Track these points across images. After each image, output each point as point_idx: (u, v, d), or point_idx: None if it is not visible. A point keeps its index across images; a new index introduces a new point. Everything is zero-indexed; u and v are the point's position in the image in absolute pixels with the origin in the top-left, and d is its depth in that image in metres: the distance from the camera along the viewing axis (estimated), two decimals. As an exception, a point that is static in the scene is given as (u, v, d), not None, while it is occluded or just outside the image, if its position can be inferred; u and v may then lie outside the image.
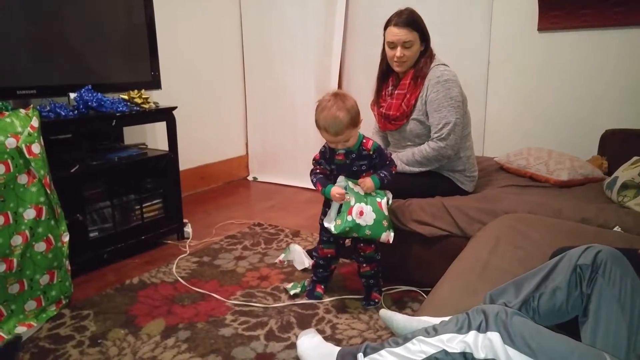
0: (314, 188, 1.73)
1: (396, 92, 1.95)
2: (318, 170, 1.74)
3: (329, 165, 1.72)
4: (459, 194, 1.98)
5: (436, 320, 1.11)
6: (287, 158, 3.53)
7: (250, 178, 3.73)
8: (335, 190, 1.66)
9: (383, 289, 1.87)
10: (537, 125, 2.69)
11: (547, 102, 2.65)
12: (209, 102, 3.35)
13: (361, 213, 1.62)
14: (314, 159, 1.76)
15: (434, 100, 1.87)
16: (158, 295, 1.90)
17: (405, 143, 2.00)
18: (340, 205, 1.67)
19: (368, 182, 1.67)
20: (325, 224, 1.69)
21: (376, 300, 1.80)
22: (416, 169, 1.94)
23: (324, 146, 1.75)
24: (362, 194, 1.66)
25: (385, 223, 1.65)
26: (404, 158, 1.95)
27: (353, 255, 1.83)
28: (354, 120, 1.62)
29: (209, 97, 3.34)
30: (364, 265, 1.79)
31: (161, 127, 2.52)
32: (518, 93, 2.73)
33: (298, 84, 3.34)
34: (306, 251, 2.18)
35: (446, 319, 1.06)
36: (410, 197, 1.94)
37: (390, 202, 1.72)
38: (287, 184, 3.51)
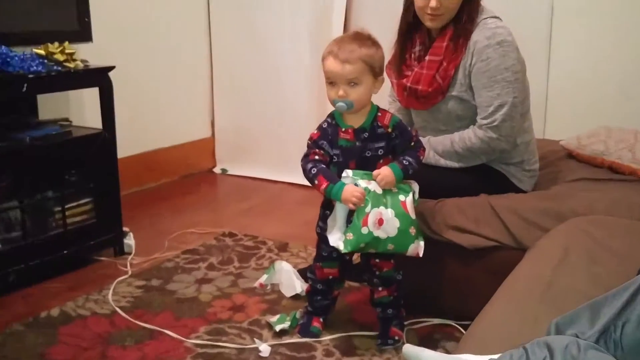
0: (310, 184, 1.70)
1: (428, 57, 1.95)
2: (317, 157, 1.71)
3: (332, 149, 1.71)
4: (513, 193, 1.99)
5: (482, 359, 1.11)
6: (271, 142, 3.54)
7: (217, 170, 3.73)
8: (351, 191, 1.61)
9: (406, 323, 1.88)
10: (619, 96, 2.70)
11: (632, 65, 2.66)
12: (159, 62, 3.34)
13: (380, 222, 1.62)
14: (310, 139, 1.74)
15: (483, 73, 1.87)
16: (88, 333, 1.88)
17: (440, 127, 2.01)
18: (350, 211, 1.66)
19: (386, 173, 1.67)
20: (331, 240, 1.68)
21: (396, 338, 1.80)
22: (455, 164, 1.95)
23: (326, 120, 1.74)
24: (380, 192, 1.66)
25: (412, 230, 1.67)
26: (438, 147, 1.96)
27: (364, 276, 1.84)
28: (374, 66, 1.66)
29: (160, 55, 3.33)
30: (380, 289, 1.80)
31: (92, 95, 2.49)
32: (593, 52, 2.74)
33: (285, 36, 3.33)
34: (298, 271, 2.18)
35: (495, 356, 1.06)
36: (443, 197, 1.95)
37: (417, 197, 1.72)
38: (270, 179, 3.51)
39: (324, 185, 1.66)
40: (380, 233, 1.63)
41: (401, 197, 1.67)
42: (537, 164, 2.08)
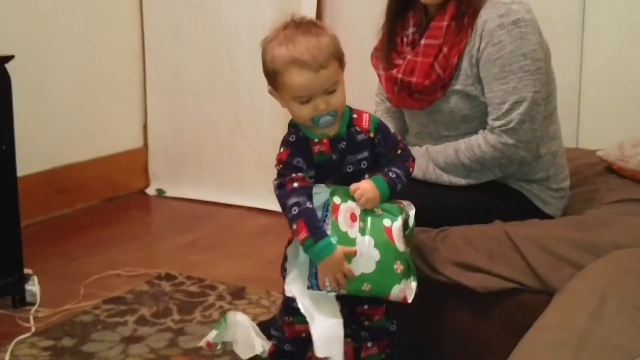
0: (290, 227, 1.63)
1: (424, 41, 1.98)
2: (296, 184, 1.64)
3: (309, 170, 1.68)
4: (536, 219, 2.02)
5: None
6: (222, 155, 3.56)
7: (151, 191, 3.74)
8: (339, 261, 1.59)
9: (401, 390, 1.88)
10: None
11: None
12: (75, 51, 3.34)
13: (354, 253, 1.63)
14: (278, 162, 1.68)
15: (495, 60, 1.89)
16: (-24, 412, 1.87)
17: (441, 132, 2.03)
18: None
19: (367, 187, 1.66)
20: (287, 289, 1.68)
21: (389, 411, 1.82)
22: (461, 180, 1.97)
23: (289, 132, 1.71)
24: (358, 212, 1.67)
25: (398, 267, 1.66)
26: (439, 158, 1.98)
27: (348, 329, 1.82)
28: (341, 54, 1.66)
29: (75, 42, 3.33)
30: (369, 344, 1.80)
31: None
32: (638, 36, 2.80)
33: (242, 19, 3.37)
34: (258, 325, 2.16)
35: None
36: (447, 225, 1.97)
37: (412, 222, 1.73)
38: (222, 202, 3.52)
39: (302, 236, 1.60)
40: (352, 267, 1.61)
41: (386, 222, 1.66)
42: (568, 181, 2.11)
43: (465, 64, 1.94)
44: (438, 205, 1.96)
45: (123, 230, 3.21)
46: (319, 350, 1.64)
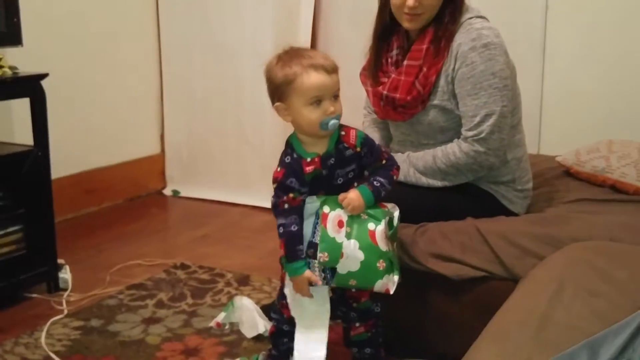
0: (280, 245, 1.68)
1: (406, 62, 1.99)
2: (287, 206, 1.66)
3: (302, 187, 1.68)
4: (503, 216, 2.03)
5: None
6: (230, 160, 3.55)
7: (168, 192, 3.73)
8: (301, 286, 1.66)
9: (385, 365, 1.89)
10: (623, 105, 2.76)
11: (638, 69, 2.73)
12: (100, 67, 3.34)
13: (341, 255, 1.64)
14: (275, 181, 1.68)
15: (468, 79, 1.90)
16: (16, 383, 1.87)
17: (421, 140, 2.04)
18: (313, 232, 1.67)
19: (353, 197, 1.65)
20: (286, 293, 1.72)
21: (375, 383, 1.82)
22: (438, 183, 1.98)
23: (286, 151, 1.69)
24: (345, 219, 1.67)
25: (381, 264, 1.66)
26: (419, 163, 1.99)
27: (338, 311, 1.84)
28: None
29: (100, 59, 3.33)
30: (357, 324, 1.80)
31: (22, 107, 2.50)
32: (593, 55, 2.80)
33: (247, 38, 3.37)
34: (261, 308, 2.18)
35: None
36: (425, 221, 1.97)
37: (396, 222, 1.73)
38: (230, 202, 3.52)
39: (282, 253, 1.68)
40: (339, 267, 1.64)
41: (370, 226, 1.65)
42: (531, 182, 2.12)
43: (442, 81, 1.95)
44: (418, 204, 1.97)
45: (144, 226, 3.21)
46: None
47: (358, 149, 1.70)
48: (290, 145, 1.70)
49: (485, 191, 2.02)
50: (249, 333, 2.10)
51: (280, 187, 1.66)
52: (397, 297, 1.76)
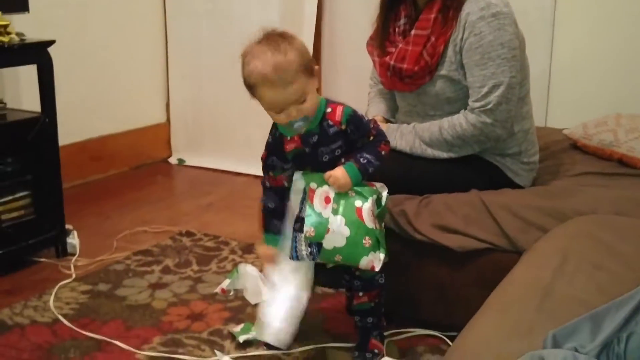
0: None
1: (414, 32, 1.97)
2: (268, 183, 1.74)
3: (284, 164, 1.71)
4: (509, 188, 2.02)
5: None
6: (235, 129, 3.54)
7: (173, 160, 3.73)
8: (263, 255, 1.77)
9: (386, 334, 1.89)
10: (633, 78, 2.74)
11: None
12: (106, 34, 3.33)
13: (327, 230, 1.64)
14: (262, 161, 1.74)
15: (476, 49, 1.89)
16: (26, 344, 1.89)
17: (428, 111, 2.03)
18: (300, 208, 1.69)
19: (338, 175, 1.65)
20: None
21: (376, 351, 1.82)
22: (443, 154, 1.97)
23: (270, 132, 1.72)
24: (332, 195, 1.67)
25: (367, 241, 1.65)
26: (425, 134, 1.98)
27: (343, 279, 1.85)
28: (308, 65, 1.61)
29: (106, 26, 3.32)
30: (360, 294, 1.80)
31: (29, 74, 2.49)
32: (603, 27, 2.78)
33: (252, 10, 3.35)
34: (265, 275, 2.19)
35: (485, 372, 1.08)
36: (430, 193, 1.97)
37: (384, 201, 1.71)
38: (234, 171, 3.52)
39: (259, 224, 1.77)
40: (325, 243, 1.64)
41: (357, 203, 1.65)
42: (537, 155, 2.11)
43: (450, 51, 1.93)
44: (422, 176, 1.97)
45: (149, 194, 3.22)
46: (269, 337, 1.72)
47: (343, 127, 1.67)
48: (274, 125, 1.72)
49: (491, 163, 2.02)
50: (253, 300, 2.10)
51: (265, 166, 1.74)
52: (400, 267, 1.77)
